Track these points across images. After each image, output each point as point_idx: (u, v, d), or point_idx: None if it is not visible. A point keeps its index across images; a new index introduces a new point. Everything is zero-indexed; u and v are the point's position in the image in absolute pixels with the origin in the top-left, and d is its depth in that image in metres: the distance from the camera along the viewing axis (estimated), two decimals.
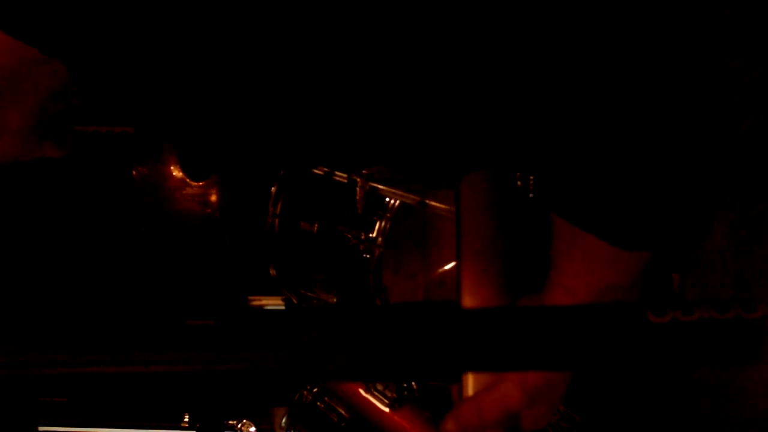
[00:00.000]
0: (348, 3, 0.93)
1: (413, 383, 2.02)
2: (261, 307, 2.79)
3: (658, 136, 0.88)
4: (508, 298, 1.10)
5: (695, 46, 0.91)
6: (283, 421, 2.29)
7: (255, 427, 2.51)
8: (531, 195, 1.18)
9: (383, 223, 1.99)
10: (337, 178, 2.10)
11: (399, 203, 1.99)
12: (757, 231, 1.24)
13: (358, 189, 2.03)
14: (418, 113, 0.97)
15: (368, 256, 2.00)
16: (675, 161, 0.89)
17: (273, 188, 2.25)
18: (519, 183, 1.29)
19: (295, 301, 2.28)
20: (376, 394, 2.06)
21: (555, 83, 0.90)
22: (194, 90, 0.99)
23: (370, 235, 1.99)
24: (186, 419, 2.54)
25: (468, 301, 1.13)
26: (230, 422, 2.53)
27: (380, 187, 2.01)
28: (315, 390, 2.21)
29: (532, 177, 1.17)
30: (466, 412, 1.10)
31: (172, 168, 2.78)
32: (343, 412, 2.15)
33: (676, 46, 0.89)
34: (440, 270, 2.01)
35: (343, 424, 2.14)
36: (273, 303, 2.71)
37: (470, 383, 1.13)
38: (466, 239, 1.16)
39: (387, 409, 2.05)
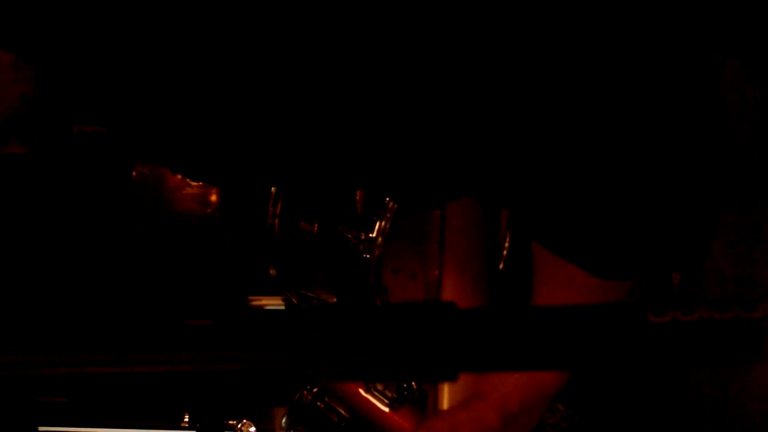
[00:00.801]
0: (339, 20, 0.92)
1: (413, 383, 2.02)
2: (261, 307, 2.79)
3: (643, 167, 0.86)
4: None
5: (679, 82, 0.89)
6: (283, 421, 2.28)
7: (255, 427, 2.51)
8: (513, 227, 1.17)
9: (383, 223, 1.99)
10: None
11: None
12: (758, 233, 1.24)
13: (358, 189, 2.03)
14: (398, 140, 0.97)
15: (368, 256, 2.00)
16: (660, 193, 0.88)
17: (273, 188, 2.25)
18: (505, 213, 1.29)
19: (295, 301, 2.28)
20: (376, 394, 2.06)
21: (536, 115, 0.89)
22: (193, 94, 0.99)
23: (370, 235, 2.00)
24: (186, 419, 2.54)
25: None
26: (230, 422, 2.53)
27: None
28: (315, 390, 2.21)
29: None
30: (440, 427, 1.10)
31: None
32: (343, 412, 2.15)
33: (659, 80, 0.88)
34: (438, 272, 2.01)
35: (343, 424, 2.14)
36: (273, 303, 2.70)
37: (445, 395, 1.13)
38: (450, 252, 1.17)
39: (387, 409, 2.05)
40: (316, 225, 2.13)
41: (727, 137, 0.91)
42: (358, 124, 0.95)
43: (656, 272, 0.93)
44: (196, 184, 2.79)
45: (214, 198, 2.82)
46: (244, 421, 2.51)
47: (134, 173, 2.75)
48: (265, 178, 1.08)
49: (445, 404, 1.19)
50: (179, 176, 2.75)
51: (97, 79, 0.96)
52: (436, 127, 0.94)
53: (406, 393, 2.03)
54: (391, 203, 2.00)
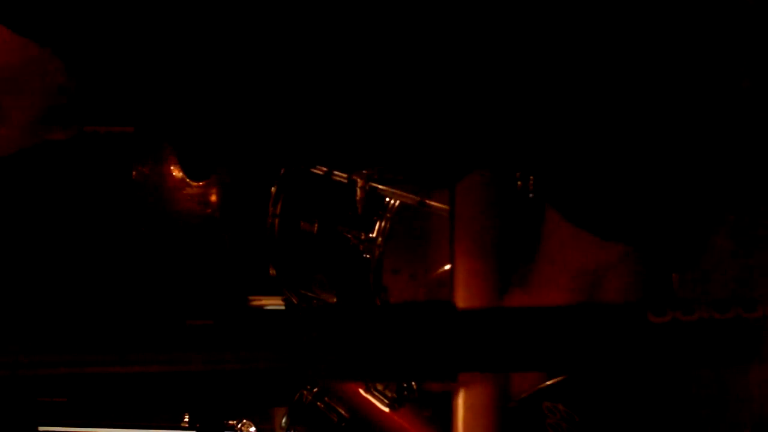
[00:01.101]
0: (348, 3, 0.93)
1: (413, 383, 2.02)
2: (261, 307, 2.79)
3: (650, 143, 0.89)
4: (500, 295, 1.11)
5: (695, 53, 0.91)
6: (283, 421, 2.29)
7: (255, 427, 2.51)
8: (531, 195, 1.19)
9: (383, 223, 1.99)
10: (337, 178, 2.10)
11: (399, 203, 1.99)
12: (757, 232, 1.24)
13: (358, 189, 2.03)
14: (415, 114, 0.97)
15: (368, 256, 2.00)
16: (665, 165, 0.90)
17: (273, 188, 2.25)
18: (519, 183, 1.29)
19: (295, 301, 2.28)
20: (376, 394, 2.06)
21: (553, 87, 0.90)
22: (194, 89, 0.99)
23: (370, 235, 2.00)
24: (186, 419, 2.54)
25: (460, 299, 1.13)
26: (230, 422, 2.53)
27: (380, 187, 2.01)
28: (315, 390, 2.21)
29: (532, 177, 1.18)
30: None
31: (172, 168, 2.78)
32: (343, 412, 2.15)
33: (676, 50, 0.90)
34: (440, 270, 2.02)
35: (343, 424, 2.15)
36: (273, 303, 2.71)
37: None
38: (460, 237, 1.16)
39: (387, 409, 2.05)
40: (316, 225, 2.13)
41: (745, 132, 0.93)
42: (370, 101, 0.95)
43: (648, 242, 0.95)
44: (196, 184, 2.79)
45: (214, 198, 2.82)
46: (244, 421, 2.51)
47: (134, 173, 2.76)
48: (284, 153, 1.08)
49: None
50: (179, 176, 2.75)
51: (108, 69, 0.96)
52: (456, 97, 0.94)
53: (406, 393, 2.03)
54: (391, 203, 2.00)
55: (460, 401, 1.15)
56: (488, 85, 0.93)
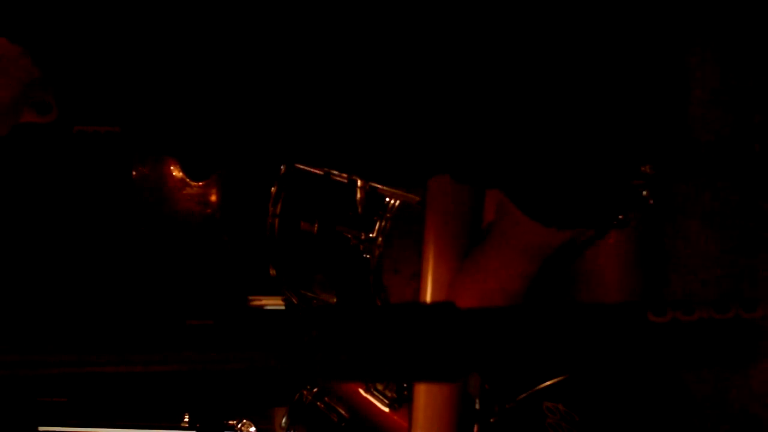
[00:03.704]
0: (340, 13, 0.95)
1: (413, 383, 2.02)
2: (261, 307, 2.79)
3: (574, 151, 0.98)
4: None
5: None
6: (283, 421, 2.29)
7: (255, 427, 2.51)
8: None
9: (383, 223, 1.99)
10: (337, 178, 2.10)
11: (399, 203, 1.99)
12: (745, 239, 1.25)
13: (358, 189, 2.03)
14: (386, 120, 1.01)
15: (368, 256, 2.00)
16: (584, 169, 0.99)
17: (273, 188, 2.25)
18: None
19: (295, 301, 2.28)
20: (376, 394, 2.06)
21: (516, 100, 0.96)
22: (194, 90, 1.00)
23: (370, 235, 2.00)
24: (186, 419, 2.54)
25: (429, 275, 1.21)
26: (230, 422, 2.53)
27: (380, 187, 2.01)
28: (315, 390, 2.21)
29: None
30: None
31: (172, 168, 2.78)
32: (343, 412, 2.15)
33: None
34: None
35: (343, 424, 2.15)
36: (273, 303, 2.71)
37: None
38: (431, 224, 1.22)
39: (387, 409, 2.05)
40: (316, 225, 2.13)
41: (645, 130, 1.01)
42: (346, 106, 0.99)
43: (575, 225, 1.09)
44: (196, 184, 2.79)
45: (214, 198, 2.82)
46: (244, 421, 2.51)
47: (134, 173, 2.76)
48: (261, 152, 1.12)
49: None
50: (179, 176, 2.75)
51: (105, 77, 0.98)
52: (418, 109, 0.99)
53: (406, 393, 2.03)
54: (391, 203, 2.00)
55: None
56: (452, 98, 0.98)
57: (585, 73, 0.95)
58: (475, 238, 1.25)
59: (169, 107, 1.01)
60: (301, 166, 2.19)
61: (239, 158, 1.14)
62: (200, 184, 2.79)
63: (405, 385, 2.02)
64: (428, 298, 1.20)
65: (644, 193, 1.70)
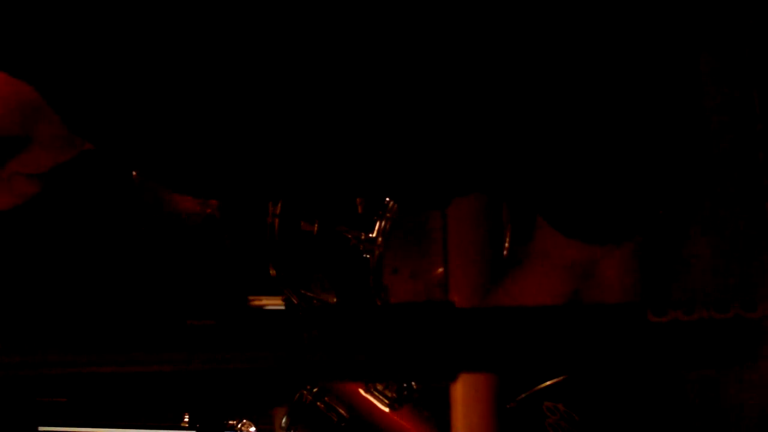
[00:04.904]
0: (340, 25, 0.94)
1: (413, 383, 2.02)
2: (261, 307, 2.79)
3: (609, 167, 0.96)
4: (491, 287, 1.16)
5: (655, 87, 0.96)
6: (283, 421, 2.29)
7: (255, 427, 2.51)
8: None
9: (383, 223, 1.99)
10: None
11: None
12: (743, 242, 1.25)
13: (359, 195, 2.03)
14: (401, 143, 1.00)
15: (368, 256, 2.00)
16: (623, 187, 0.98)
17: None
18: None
19: (295, 301, 2.28)
20: (376, 394, 2.06)
21: (530, 115, 0.95)
22: (193, 96, 0.99)
23: (370, 235, 2.00)
24: (186, 419, 2.54)
25: (455, 291, 1.18)
26: (230, 422, 2.53)
27: None
28: (315, 390, 2.21)
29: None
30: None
31: None
32: (343, 412, 2.15)
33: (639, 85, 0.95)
34: (440, 270, 2.02)
35: (343, 424, 2.14)
36: (273, 303, 2.71)
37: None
38: (454, 243, 1.20)
39: (387, 409, 2.05)
40: (316, 225, 2.13)
41: (696, 143, 0.99)
42: (358, 127, 0.97)
43: (614, 241, 1.08)
44: None
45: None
46: (244, 421, 2.51)
47: (134, 173, 2.75)
48: (264, 188, 1.09)
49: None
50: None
51: (94, 90, 0.97)
52: (436, 129, 0.97)
53: (406, 393, 2.03)
54: (391, 203, 2.00)
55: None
56: (469, 113, 0.97)
57: (615, 83, 0.94)
58: (495, 257, 1.24)
59: (159, 130, 1.00)
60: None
61: (239, 193, 1.13)
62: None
63: (405, 385, 2.02)
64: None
65: None
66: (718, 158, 1.17)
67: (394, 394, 2.04)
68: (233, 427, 2.51)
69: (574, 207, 1.00)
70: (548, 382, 1.68)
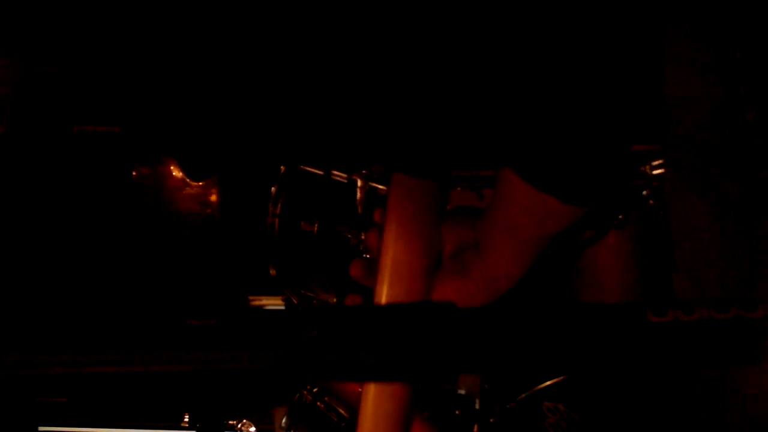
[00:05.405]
0: (341, 13, 0.94)
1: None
2: (261, 307, 2.79)
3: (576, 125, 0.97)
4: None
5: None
6: (283, 421, 2.29)
7: (255, 427, 2.51)
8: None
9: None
10: (337, 178, 2.10)
11: None
12: (750, 238, 1.25)
13: (358, 189, 2.03)
14: (397, 111, 1.00)
15: (368, 256, 1.99)
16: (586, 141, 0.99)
17: (273, 188, 2.25)
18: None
19: (295, 301, 2.28)
20: None
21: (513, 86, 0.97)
22: (194, 91, 0.99)
23: None
24: (186, 419, 2.54)
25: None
26: (230, 422, 2.53)
27: (380, 187, 2.01)
28: (315, 390, 2.21)
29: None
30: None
31: (172, 168, 2.78)
32: (343, 412, 2.15)
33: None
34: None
35: (343, 424, 2.14)
36: (273, 303, 2.71)
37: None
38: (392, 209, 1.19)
39: None
40: (316, 225, 2.13)
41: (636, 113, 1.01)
42: (358, 98, 0.98)
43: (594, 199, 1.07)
44: (196, 184, 2.79)
45: (214, 198, 2.82)
46: (244, 421, 2.51)
47: (134, 173, 2.76)
48: (271, 152, 1.10)
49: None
50: (180, 176, 2.75)
51: (109, 72, 0.98)
52: (431, 97, 0.98)
53: None
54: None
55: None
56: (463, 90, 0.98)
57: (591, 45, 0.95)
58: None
59: (169, 107, 1.01)
60: (303, 167, 2.19)
61: (241, 158, 1.14)
62: (200, 184, 2.79)
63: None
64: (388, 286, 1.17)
65: (644, 192, 1.70)
66: (718, 152, 1.17)
67: None
68: (233, 427, 2.51)
69: (553, 161, 1.02)
70: (548, 382, 1.68)
